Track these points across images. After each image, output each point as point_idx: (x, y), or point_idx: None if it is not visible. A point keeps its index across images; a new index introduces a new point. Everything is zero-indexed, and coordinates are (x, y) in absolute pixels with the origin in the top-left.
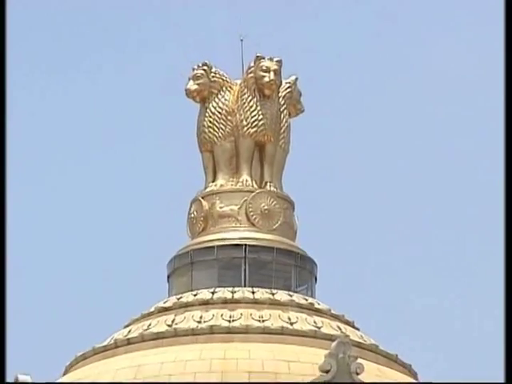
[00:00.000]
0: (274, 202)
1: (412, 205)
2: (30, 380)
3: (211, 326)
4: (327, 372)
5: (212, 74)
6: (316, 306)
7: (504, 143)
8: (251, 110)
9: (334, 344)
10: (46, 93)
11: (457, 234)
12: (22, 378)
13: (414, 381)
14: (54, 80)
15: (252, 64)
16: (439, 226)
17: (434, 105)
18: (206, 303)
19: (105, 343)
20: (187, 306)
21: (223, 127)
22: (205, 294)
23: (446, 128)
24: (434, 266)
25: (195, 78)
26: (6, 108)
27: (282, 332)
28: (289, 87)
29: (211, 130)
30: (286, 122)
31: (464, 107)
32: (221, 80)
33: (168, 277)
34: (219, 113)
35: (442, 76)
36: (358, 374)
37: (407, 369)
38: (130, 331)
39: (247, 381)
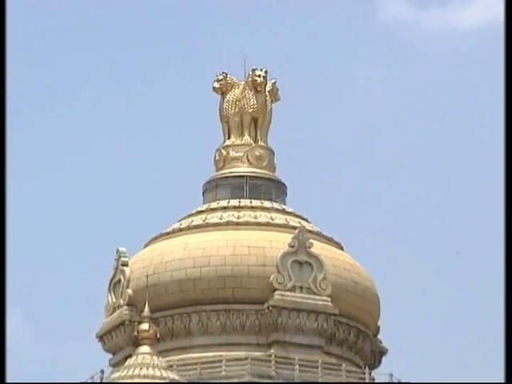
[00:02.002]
0: (263, 151)
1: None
2: (125, 250)
3: (227, 221)
4: (292, 247)
5: (228, 78)
6: (286, 209)
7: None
8: (250, 99)
9: (296, 231)
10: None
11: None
12: (121, 249)
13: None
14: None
15: (250, 72)
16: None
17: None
18: (224, 208)
19: (167, 230)
20: (213, 209)
21: (234, 108)
22: (223, 203)
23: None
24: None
25: (218, 80)
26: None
27: (267, 224)
28: (271, 85)
29: (227, 110)
30: (269, 105)
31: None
32: (233, 82)
33: (203, 193)
34: (232, 101)
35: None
36: (309, 247)
37: (338, 245)
38: (181, 224)
39: (247, 251)
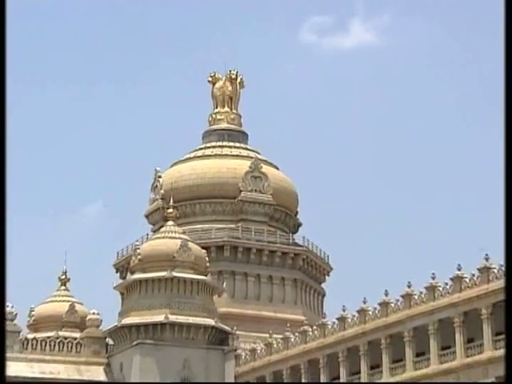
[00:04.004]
0: (236, 115)
1: None
2: (160, 169)
3: (215, 154)
4: (251, 168)
5: (216, 75)
6: (248, 148)
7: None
8: (228, 86)
9: (253, 159)
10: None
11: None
12: (157, 168)
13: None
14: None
15: (228, 71)
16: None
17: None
18: (214, 147)
19: (182, 158)
20: (208, 147)
21: (219, 92)
22: (214, 144)
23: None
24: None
25: (210, 76)
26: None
27: (237, 156)
28: (240, 79)
29: (215, 92)
30: (239, 90)
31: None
32: (218, 77)
33: (202, 138)
34: (218, 87)
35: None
36: (260, 168)
37: (276, 167)
38: (190, 155)
39: (226, 170)
